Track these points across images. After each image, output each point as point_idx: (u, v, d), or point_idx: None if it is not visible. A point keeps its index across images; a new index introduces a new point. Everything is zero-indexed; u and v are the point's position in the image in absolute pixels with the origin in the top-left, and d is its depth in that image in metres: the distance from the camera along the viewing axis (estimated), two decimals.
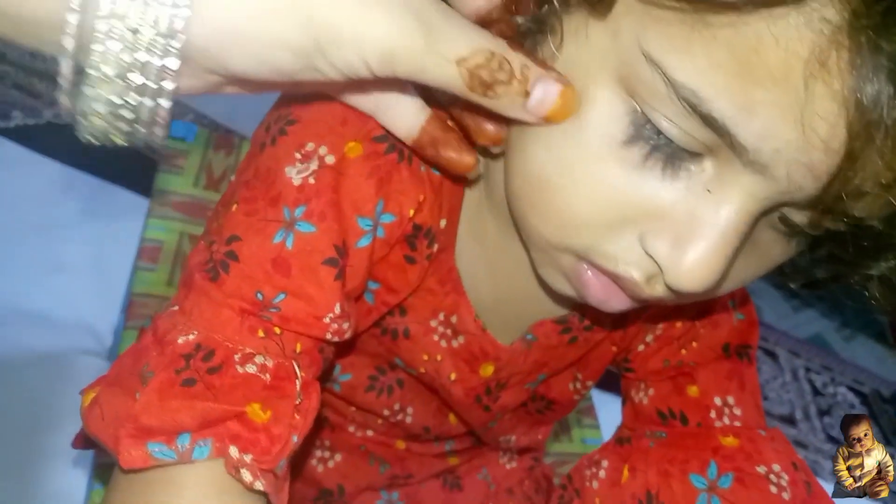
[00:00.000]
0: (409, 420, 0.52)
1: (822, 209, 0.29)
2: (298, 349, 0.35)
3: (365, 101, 0.35)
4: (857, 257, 0.32)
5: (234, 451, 0.32)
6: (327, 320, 0.36)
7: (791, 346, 1.68)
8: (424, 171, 0.39)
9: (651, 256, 0.32)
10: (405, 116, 0.35)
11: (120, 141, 0.29)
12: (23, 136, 1.24)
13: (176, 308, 0.35)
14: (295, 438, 0.33)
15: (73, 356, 0.94)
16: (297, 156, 0.36)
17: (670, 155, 0.30)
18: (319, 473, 0.56)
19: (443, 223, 0.41)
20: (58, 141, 1.26)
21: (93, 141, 0.29)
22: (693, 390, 0.46)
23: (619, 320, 0.47)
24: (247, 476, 0.32)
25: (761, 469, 0.42)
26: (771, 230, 0.33)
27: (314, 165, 0.36)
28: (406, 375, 0.50)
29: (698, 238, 0.30)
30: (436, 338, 0.46)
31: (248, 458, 0.32)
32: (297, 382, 0.34)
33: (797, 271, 0.38)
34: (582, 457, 0.49)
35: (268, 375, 0.33)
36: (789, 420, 1.51)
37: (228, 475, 0.32)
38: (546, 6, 0.31)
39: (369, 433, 0.55)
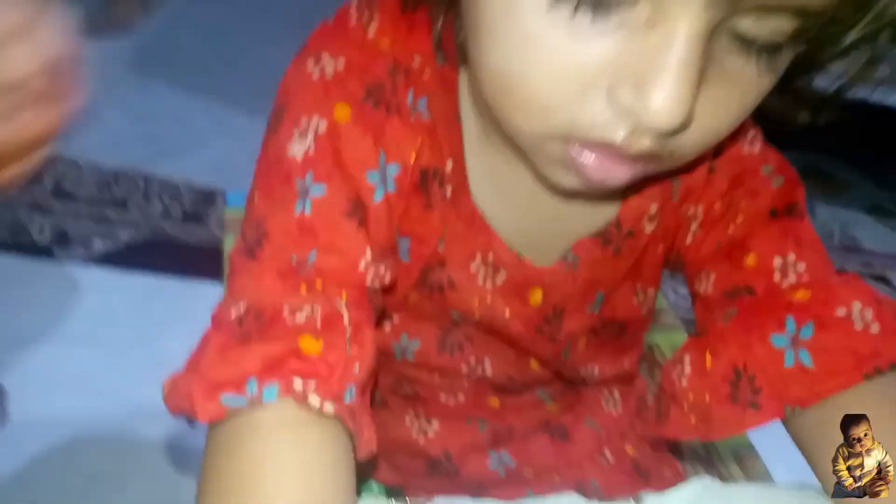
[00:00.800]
0: (489, 373, 0.53)
1: (765, 6, 0.29)
2: (344, 298, 0.37)
3: None
4: (819, 51, 0.33)
5: (298, 383, 0.33)
6: (362, 267, 0.38)
7: None
8: (414, 118, 0.41)
9: (623, 109, 0.32)
10: None
11: None
12: (104, 260, 1.33)
13: (226, 295, 0.38)
14: (356, 368, 0.35)
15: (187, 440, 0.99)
16: (296, 133, 0.39)
17: (596, 3, 0.30)
18: (422, 445, 0.57)
19: (449, 164, 0.42)
20: (136, 256, 1.34)
21: None
22: (750, 259, 0.44)
23: (646, 192, 0.46)
24: (314, 400, 0.33)
25: (841, 311, 0.40)
26: (733, 55, 0.32)
27: (311, 136, 0.38)
28: (473, 329, 0.50)
29: (657, 76, 0.30)
30: (480, 281, 0.47)
31: (312, 385, 0.33)
32: (345, 318, 0.36)
33: (784, 110, 0.39)
34: (665, 362, 0.48)
35: (318, 320, 0.35)
36: None
37: (301, 411, 0.33)
38: None
39: (461, 397, 0.55)
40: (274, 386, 0.33)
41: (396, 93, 0.40)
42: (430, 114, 0.41)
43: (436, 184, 0.42)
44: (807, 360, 0.39)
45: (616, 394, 0.60)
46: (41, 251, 1.35)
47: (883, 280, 1.55)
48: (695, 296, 0.48)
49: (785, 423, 0.41)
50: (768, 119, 0.40)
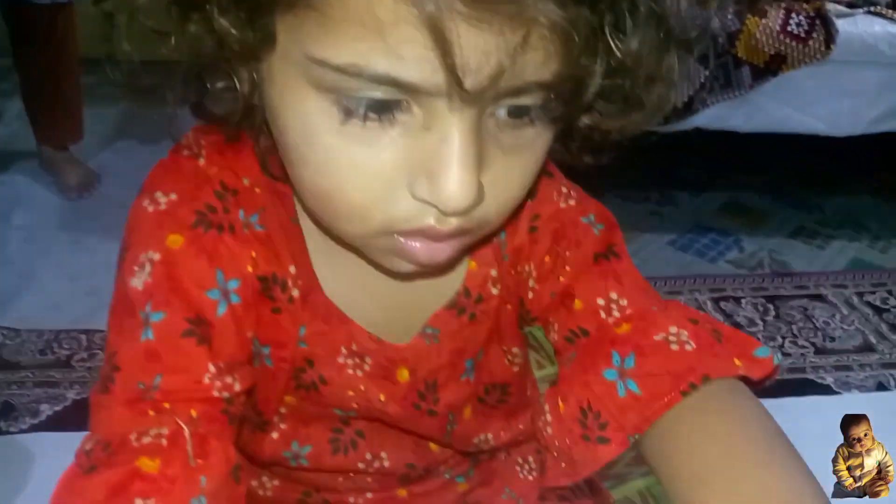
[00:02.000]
0: (387, 465, 0.54)
1: (509, 92, 0.34)
2: (195, 414, 0.39)
3: None
4: (570, 107, 0.37)
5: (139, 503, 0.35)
6: (207, 380, 0.40)
7: (833, 280, 1.66)
8: (248, 231, 0.44)
9: (424, 200, 0.36)
10: None
11: None
12: (54, 424, 1.30)
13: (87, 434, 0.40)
14: (203, 479, 0.37)
15: None
16: (136, 268, 0.42)
17: (379, 113, 0.35)
18: None
19: (292, 269, 0.46)
20: (85, 414, 1.30)
21: None
22: (578, 304, 0.48)
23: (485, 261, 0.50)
24: None
25: (659, 337, 0.44)
26: (507, 127, 0.37)
27: (148, 268, 0.41)
28: (362, 424, 0.52)
29: (442, 168, 0.35)
30: (350, 371, 0.49)
31: (152, 502, 0.35)
32: (186, 433, 0.38)
33: (570, 158, 0.44)
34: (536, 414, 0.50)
35: (164, 440, 0.37)
36: (867, 348, 1.48)
37: None
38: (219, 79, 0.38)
39: (369, 496, 0.56)
40: None
41: (228, 213, 0.44)
42: (263, 226, 0.45)
43: (278, 289, 0.45)
44: (634, 388, 0.42)
45: (531, 460, 0.62)
46: None
47: (819, 298, 1.61)
48: (553, 346, 0.52)
49: (640, 449, 0.44)
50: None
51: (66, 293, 1.61)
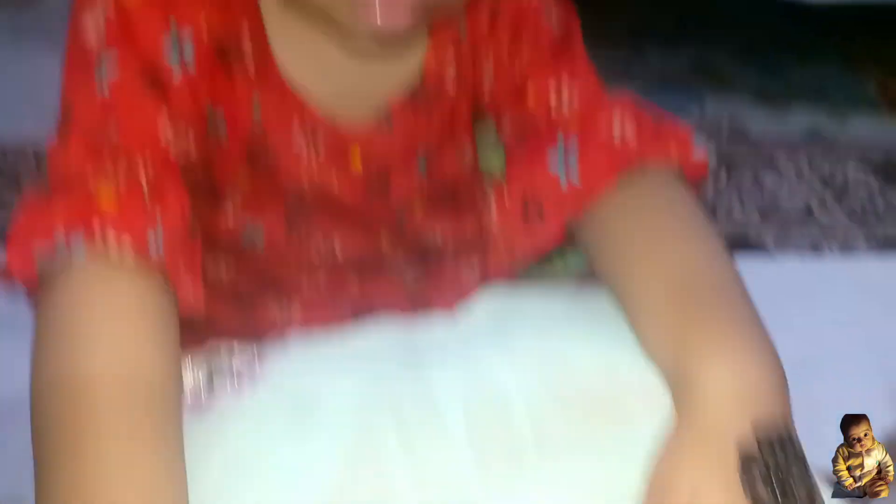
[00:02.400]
0: (340, 255, 0.56)
1: None
2: (151, 170, 0.40)
3: None
4: None
5: (99, 235, 0.36)
6: (162, 136, 0.41)
7: (786, 148, 1.69)
8: None
9: None
10: None
11: None
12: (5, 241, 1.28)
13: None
14: (159, 223, 0.38)
15: None
16: (90, 17, 0.42)
17: None
18: (282, 323, 0.59)
19: (247, 39, 0.45)
20: None
21: None
22: (530, 100, 0.50)
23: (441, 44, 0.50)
24: (113, 249, 0.36)
25: (603, 129, 0.46)
26: None
27: (102, 18, 0.41)
28: (317, 212, 0.53)
29: None
30: (304, 154, 0.50)
31: (111, 236, 0.36)
32: (143, 179, 0.39)
33: None
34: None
35: (119, 184, 0.38)
36: (808, 211, 1.53)
37: (110, 266, 0.36)
38: None
39: (322, 284, 0.58)
40: (79, 237, 0.35)
41: None
42: None
43: (233, 57, 0.45)
44: (576, 179, 0.45)
45: (476, 264, 0.63)
46: None
47: (771, 164, 1.63)
48: (504, 146, 0.53)
49: (577, 238, 0.47)
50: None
51: (12, 108, 1.55)
